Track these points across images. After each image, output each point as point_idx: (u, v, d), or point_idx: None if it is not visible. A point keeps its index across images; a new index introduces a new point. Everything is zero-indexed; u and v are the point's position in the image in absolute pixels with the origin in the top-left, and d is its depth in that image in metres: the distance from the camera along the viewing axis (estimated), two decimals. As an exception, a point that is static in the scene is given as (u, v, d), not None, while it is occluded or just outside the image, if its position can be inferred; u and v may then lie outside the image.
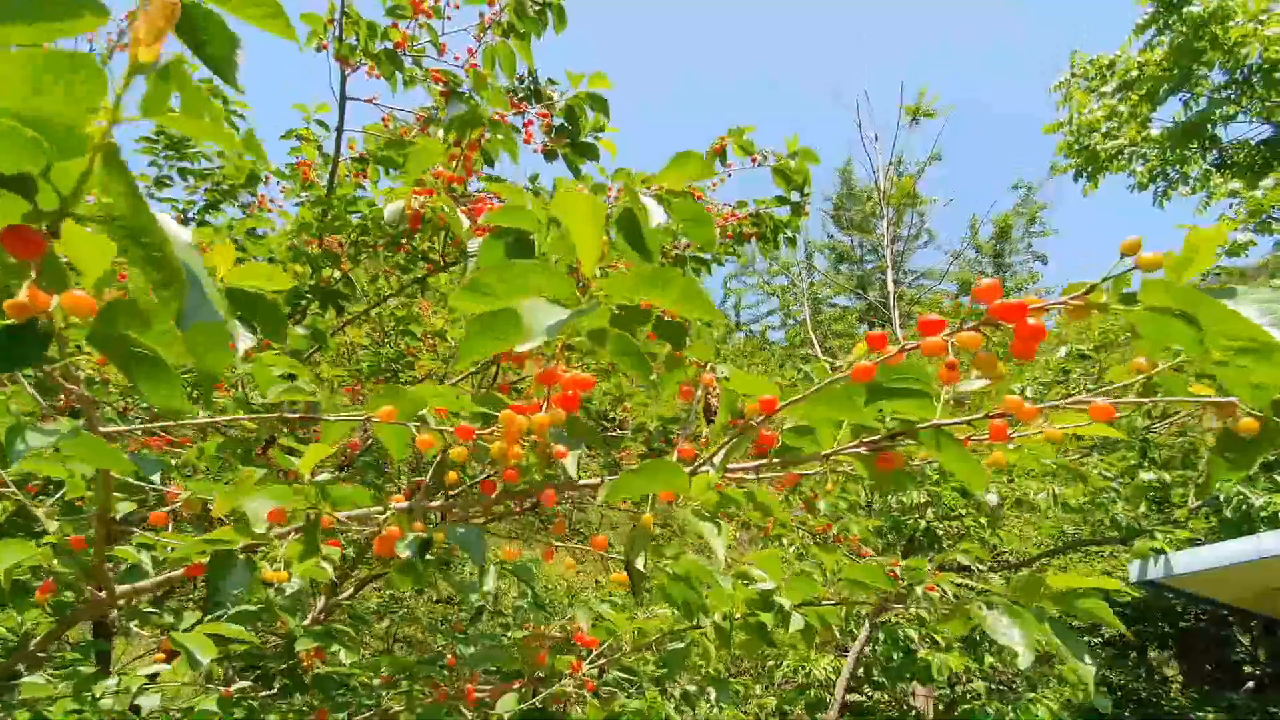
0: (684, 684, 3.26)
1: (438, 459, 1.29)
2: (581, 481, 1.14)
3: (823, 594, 1.31)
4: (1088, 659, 0.94)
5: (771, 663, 7.36)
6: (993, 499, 5.88)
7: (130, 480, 1.09)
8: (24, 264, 0.51)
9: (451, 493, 1.28)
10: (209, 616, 1.43)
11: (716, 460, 1.02)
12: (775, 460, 1.04)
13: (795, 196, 2.74)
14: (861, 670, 6.98)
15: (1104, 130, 9.07)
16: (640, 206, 1.26)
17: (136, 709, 2.22)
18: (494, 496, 1.16)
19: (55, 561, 1.16)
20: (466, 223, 1.54)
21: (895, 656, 5.84)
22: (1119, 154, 9.14)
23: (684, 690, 3.28)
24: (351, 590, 5.14)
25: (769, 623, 1.26)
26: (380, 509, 1.20)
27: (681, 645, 1.44)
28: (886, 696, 7.49)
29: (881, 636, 5.95)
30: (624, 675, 2.34)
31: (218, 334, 0.55)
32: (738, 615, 1.28)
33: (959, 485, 5.59)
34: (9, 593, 1.37)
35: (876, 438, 0.96)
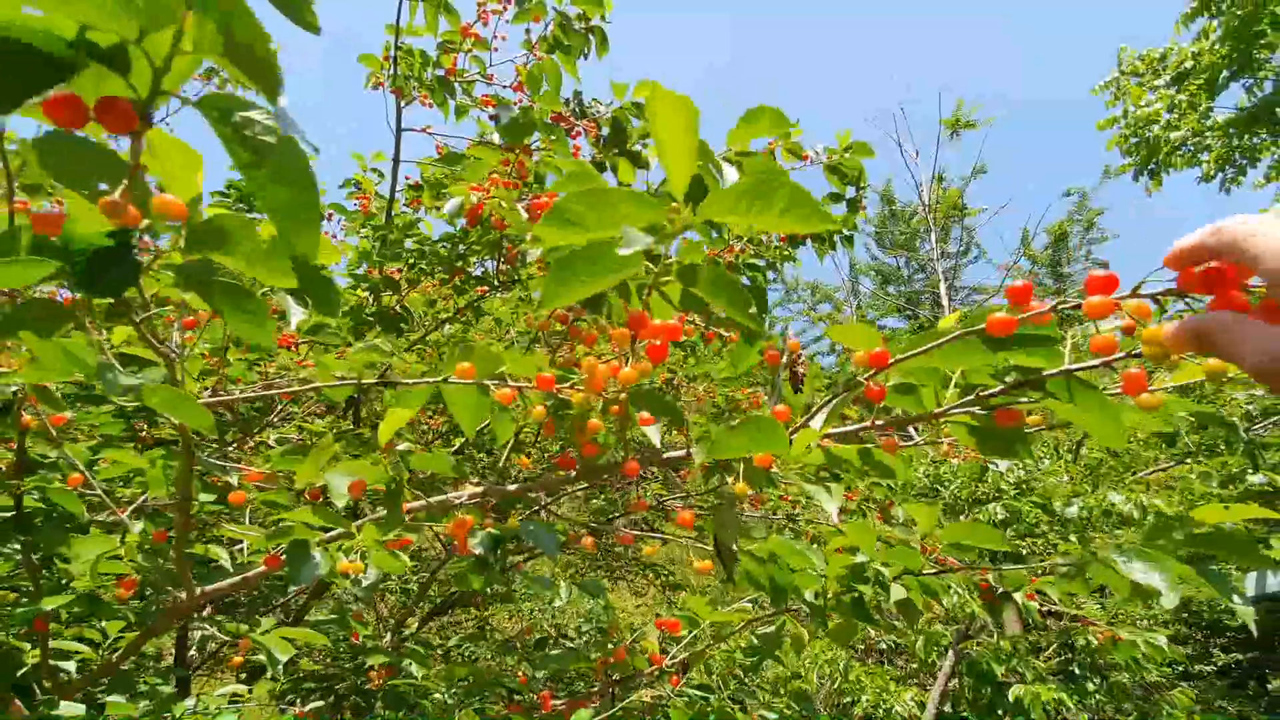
0: (763, 707, 3.10)
1: (509, 443, 1.26)
2: (667, 455, 1.09)
3: (921, 564, 1.21)
4: (1239, 599, 0.83)
5: (848, 698, 6.95)
6: (1072, 510, 5.50)
7: (209, 472, 1.10)
8: (115, 169, 0.51)
9: (526, 478, 1.25)
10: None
11: (817, 420, 0.95)
12: (879, 423, 0.95)
13: (851, 192, 2.67)
14: (949, 706, 6.53)
15: (1163, 123, 8.70)
16: (713, 165, 1.23)
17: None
18: (574, 473, 1.11)
19: (139, 556, 1.17)
20: (525, 216, 1.54)
21: (984, 690, 5.44)
22: (1181, 145, 8.74)
23: (762, 715, 3.11)
24: (417, 625, 5.14)
25: (866, 595, 1.17)
26: (457, 493, 1.17)
27: (771, 629, 1.35)
28: (977, 735, 6.96)
29: (963, 669, 5.57)
30: (700, 694, 2.23)
31: (305, 212, 0.53)
32: (831, 595, 1.19)
33: (1040, 499, 5.26)
34: (91, 601, 1.40)
35: (994, 390, 0.86)
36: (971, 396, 0.87)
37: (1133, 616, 6.91)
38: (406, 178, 3.12)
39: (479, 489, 1.05)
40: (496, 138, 2.29)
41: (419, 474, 3.33)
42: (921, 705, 6.12)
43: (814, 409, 0.94)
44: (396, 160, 2.82)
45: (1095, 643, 3.25)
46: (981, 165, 14.82)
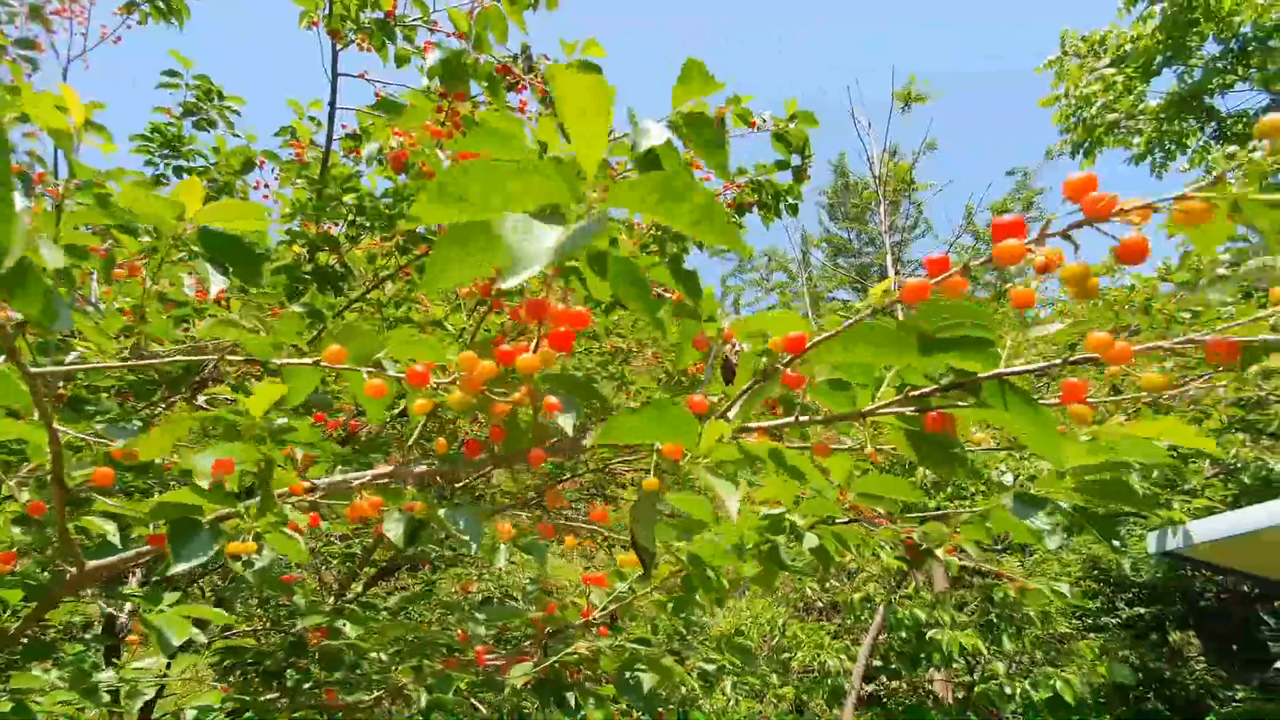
0: (701, 660, 3.21)
1: (415, 432, 1.24)
2: (571, 444, 1.01)
3: (836, 513, 1.26)
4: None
5: (787, 653, 7.28)
6: (1008, 478, 5.80)
7: (81, 441, 1.04)
8: None
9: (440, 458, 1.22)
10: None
11: (733, 412, 0.91)
12: (803, 420, 0.92)
13: (796, 160, 2.70)
14: (878, 660, 6.91)
15: (1099, 104, 9.03)
16: (637, 130, 1.20)
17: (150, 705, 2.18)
18: (481, 458, 1.07)
19: (13, 530, 1.11)
20: (446, 163, 1.49)
21: (904, 637, 5.77)
22: (1116, 126, 9.10)
23: (702, 669, 3.22)
24: (360, 589, 5.10)
25: (781, 543, 1.21)
26: (358, 474, 1.12)
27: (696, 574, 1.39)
28: (904, 685, 7.40)
29: (894, 618, 5.88)
30: (636, 645, 2.29)
31: None
32: (749, 545, 1.23)
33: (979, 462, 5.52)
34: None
35: (925, 390, 0.82)
36: (902, 396, 0.84)
37: (1048, 574, 7.39)
38: (344, 126, 2.98)
39: (385, 470, 1.01)
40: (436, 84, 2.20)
41: (361, 443, 3.24)
42: (853, 658, 6.46)
43: (733, 398, 0.90)
44: (333, 107, 2.68)
45: (1011, 595, 3.47)
46: (931, 141, 15.10)
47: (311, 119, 3.39)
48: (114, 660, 2.56)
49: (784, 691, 6.91)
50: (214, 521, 0.95)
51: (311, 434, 1.03)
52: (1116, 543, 0.91)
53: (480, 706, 3.77)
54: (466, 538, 1.08)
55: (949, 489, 5.68)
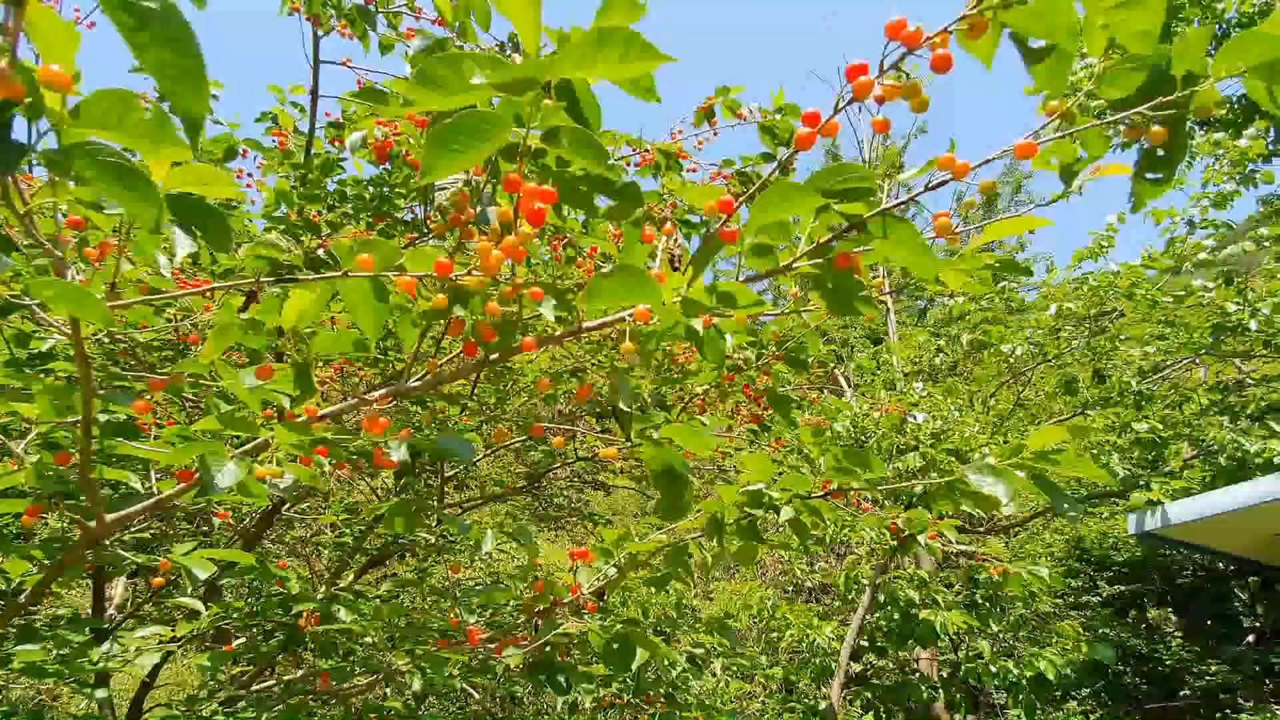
0: (689, 644, 3.27)
1: (414, 350, 1.27)
2: (560, 333, 1.14)
3: (811, 487, 1.30)
4: (1068, 507, 0.96)
5: (776, 634, 7.39)
6: (990, 462, 5.90)
7: (109, 387, 1.06)
8: None
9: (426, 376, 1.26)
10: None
11: (689, 275, 1.03)
12: (741, 280, 1.05)
13: (783, 153, 2.70)
14: (866, 639, 7.03)
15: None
16: (579, 78, 1.23)
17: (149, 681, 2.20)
18: (476, 361, 1.13)
19: (38, 482, 1.12)
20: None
21: (895, 618, 5.88)
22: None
23: (690, 653, 3.28)
24: (353, 578, 5.13)
25: (759, 517, 1.26)
26: (368, 393, 1.18)
27: (678, 546, 1.43)
28: (890, 664, 7.55)
29: (882, 599, 5.99)
30: (625, 625, 2.33)
31: (192, 73, 0.53)
32: (729, 520, 1.27)
33: (953, 446, 5.61)
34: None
35: (827, 239, 0.98)
36: (814, 247, 0.99)
37: (1031, 554, 7.55)
38: (327, 114, 2.96)
39: (388, 389, 1.06)
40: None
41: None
42: (841, 637, 6.57)
43: (687, 264, 1.03)
44: (315, 95, 2.66)
45: (994, 576, 3.57)
46: (922, 125, 15.11)
47: (295, 104, 3.36)
48: (118, 637, 2.58)
49: (773, 672, 7.03)
50: (240, 454, 1.00)
51: (344, 341, 1.08)
52: (1069, 509, 0.97)
53: (473, 691, 3.82)
54: (459, 457, 1.15)
55: (935, 473, 5.77)
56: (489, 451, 5.11)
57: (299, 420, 1.01)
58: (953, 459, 5.92)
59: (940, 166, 0.92)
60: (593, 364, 3.57)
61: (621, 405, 0.98)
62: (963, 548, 4.98)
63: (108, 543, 1.69)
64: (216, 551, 1.34)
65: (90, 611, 3.22)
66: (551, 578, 1.80)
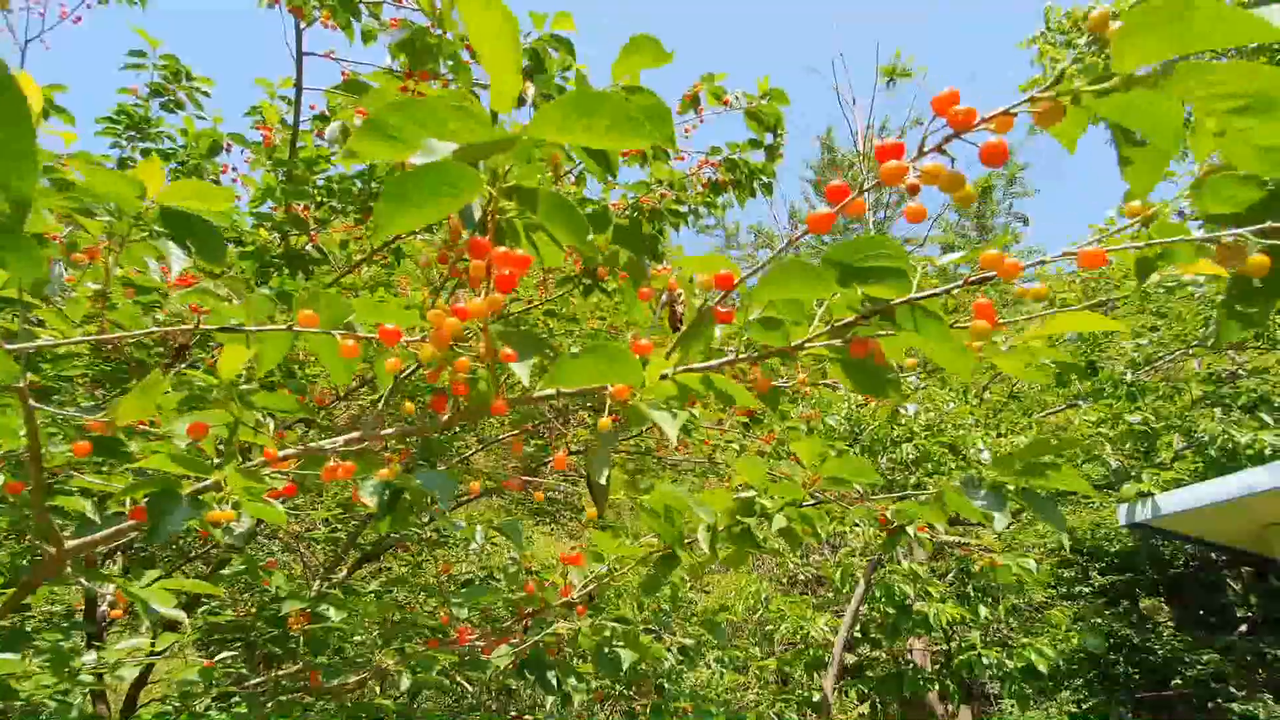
0: (680, 638, 3.27)
1: (384, 397, 1.24)
2: (538, 394, 1.09)
3: (803, 496, 1.29)
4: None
5: (770, 626, 7.42)
6: (985, 456, 5.91)
7: (56, 421, 1.04)
8: None
9: (408, 422, 1.24)
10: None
11: (675, 352, 0.96)
12: (741, 358, 0.98)
13: (769, 139, 2.69)
14: (859, 630, 7.06)
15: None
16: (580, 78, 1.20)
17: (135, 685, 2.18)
18: (448, 417, 1.09)
19: None
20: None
21: (891, 612, 5.90)
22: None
23: (682, 645, 3.28)
24: (346, 572, 5.11)
25: (752, 525, 1.24)
26: (331, 440, 1.14)
27: (669, 556, 1.42)
28: (883, 654, 7.58)
29: (877, 593, 6.00)
30: (617, 623, 2.33)
31: (17, 148, 0.47)
32: (721, 527, 1.26)
33: (948, 440, 5.62)
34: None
35: (846, 320, 0.89)
36: (830, 328, 0.91)
37: (1024, 545, 7.58)
38: (312, 107, 2.92)
39: (354, 434, 1.03)
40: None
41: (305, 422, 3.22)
42: (835, 629, 6.59)
43: (672, 340, 0.96)
44: (299, 87, 2.63)
45: (985, 567, 3.58)
46: (917, 117, 15.06)
47: (282, 98, 3.31)
48: (96, 644, 2.57)
49: (767, 663, 7.05)
50: (193, 493, 0.96)
51: (284, 400, 1.04)
52: (1059, 524, 0.95)
53: (467, 685, 3.82)
54: (439, 499, 1.11)
55: (929, 465, 5.77)
56: (482, 446, 5.10)
57: (251, 466, 0.97)
58: (946, 451, 5.93)
59: (984, 264, 0.81)
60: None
61: (595, 478, 0.93)
62: (953, 539, 5.00)
63: (69, 567, 1.66)
64: (179, 583, 1.31)
65: (83, 610, 3.20)
66: (542, 580, 1.79)
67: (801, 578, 9.78)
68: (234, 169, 3.25)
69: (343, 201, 2.78)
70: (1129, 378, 5.56)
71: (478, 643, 2.12)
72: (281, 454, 0.99)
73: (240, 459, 1.00)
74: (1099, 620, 8.02)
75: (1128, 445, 5.68)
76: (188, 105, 3.52)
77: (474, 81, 1.84)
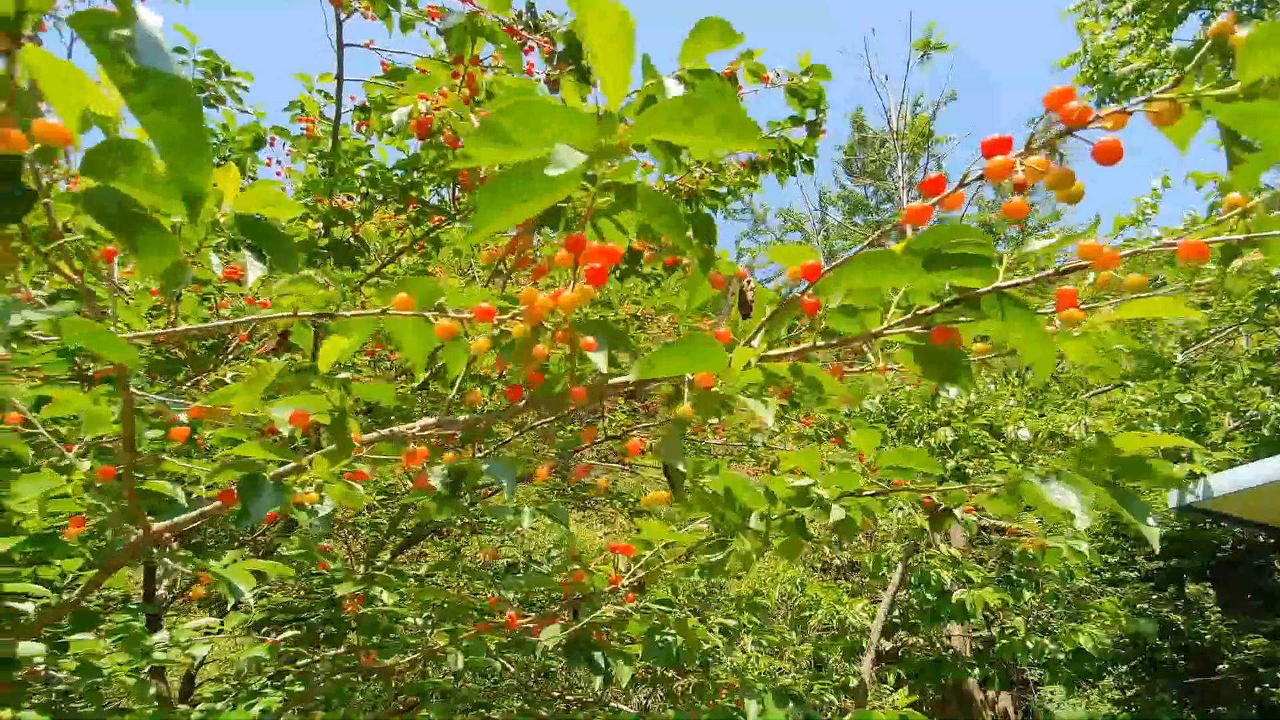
0: (721, 617, 3.28)
1: (460, 377, 1.26)
2: (613, 381, 1.10)
3: (862, 485, 1.27)
4: (1150, 520, 0.90)
5: (807, 612, 7.40)
6: (1024, 434, 5.78)
7: (152, 404, 1.08)
8: None
9: (479, 410, 1.25)
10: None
11: (757, 340, 0.96)
12: (819, 345, 0.98)
13: (811, 115, 2.64)
14: (897, 616, 7.01)
15: (1121, 57, 8.69)
16: (661, 88, 1.19)
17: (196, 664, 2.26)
18: (522, 404, 1.11)
19: (85, 494, 1.15)
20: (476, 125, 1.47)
21: (930, 598, 5.83)
22: (1139, 78, 8.77)
23: (723, 625, 3.29)
24: (390, 556, 5.23)
25: (808, 516, 1.23)
26: (409, 426, 1.17)
27: (721, 555, 1.42)
28: (922, 640, 7.52)
29: (913, 580, 5.95)
30: (662, 607, 2.34)
31: (192, 142, 0.50)
32: (775, 515, 1.25)
33: (987, 421, 5.51)
34: (44, 541, 1.39)
35: (930, 309, 0.88)
36: (910, 316, 0.90)
37: (1066, 530, 7.43)
38: (352, 98, 2.95)
39: (431, 421, 1.05)
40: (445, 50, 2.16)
41: (376, 409, 3.29)
42: (872, 616, 6.55)
43: (755, 326, 0.96)
44: (340, 79, 2.65)
45: (1030, 552, 3.50)
46: (951, 92, 14.68)
47: (321, 92, 3.36)
48: (156, 627, 2.67)
49: (803, 648, 7.05)
50: (279, 476, 1.00)
51: (384, 390, 1.07)
52: (1150, 520, 0.91)
53: (509, 667, 3.89)
54: (503, 484, 1.14)
55: (969, 446, 5.67)
56: (517, 433, 5.15)
57: (336, 451, 0.99)
58: (986, 433, 5.82)
59: (1082, 254, 0.81)
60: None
61: (674, 464, 0.94)
62: (996, 523, 4.91)
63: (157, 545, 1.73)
64: (259, 563, 1.36)
65: (143, 593, 3.33)
66: (590, 568, 1.80)
67: (836, 563, 9.73)
68: (276, 162, 3.30)
69: (384, 192, 2.81)
70: (1179, 357, 5.38)
71: (527, 625, 2.15)
72: (365, 439, 1.02)
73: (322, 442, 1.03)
74: (1145, 606, 7.84)
75: (1178, 426, 5.51)
76: (228, 100, 3.58)
77: (522, 66, 1.84)
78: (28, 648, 1.29)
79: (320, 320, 0.97)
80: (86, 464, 1.30)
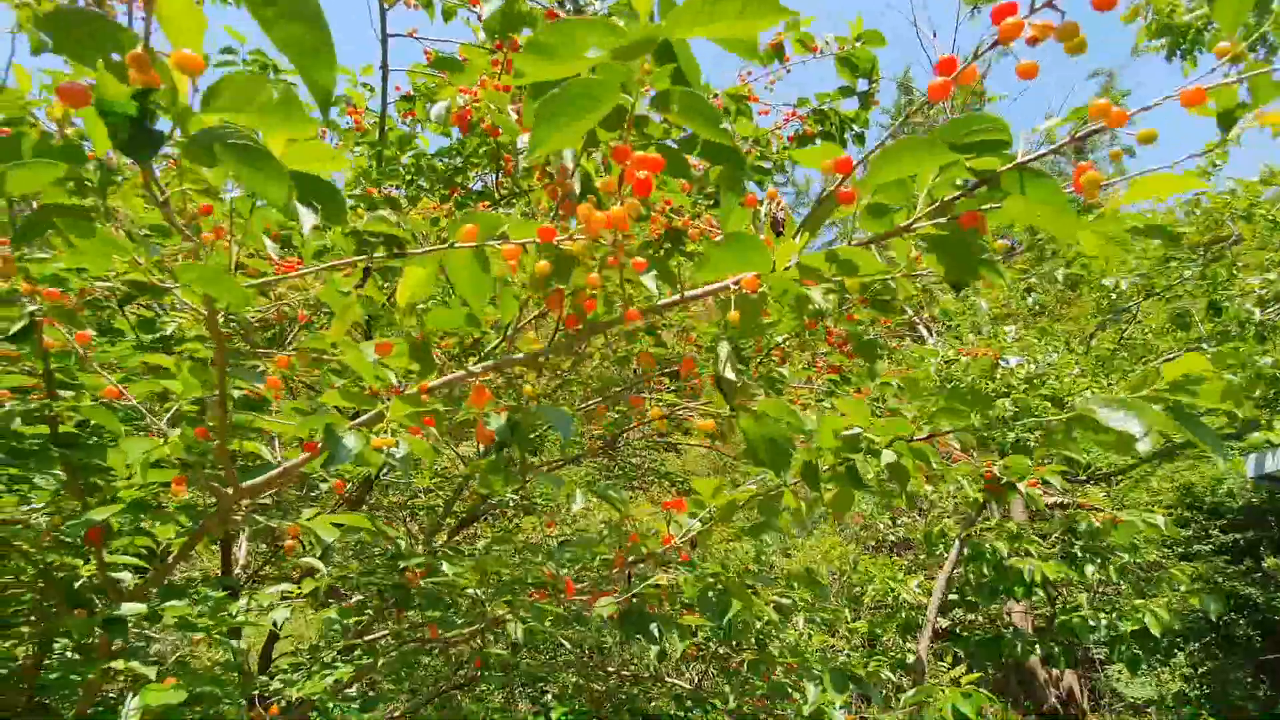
0: (776, 596, 3.28)
1: (511, 323, 1.30)
2: (663, 302, 1.13)
3: (913, 430, 1.25)
4: (1211, 439, 0.87)
5: (858, 590, 7.34)
6: (1121, 395, 5.53)
7: (238, 366, 1.14)
8: (123, 37, 0.51)
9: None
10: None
11: (798, 238, 1.00)
12: (853, 242, 1.01)
13: (863, 85, 2.56)
14: (955, 594, 6.88)
15: (1189, 5, 8.11)
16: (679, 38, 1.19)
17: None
18: (579, 330, 1.14)
19: (184, 453, 1.23)
20: (515, 118, 1.50)
21: (987, 572, 5.70)
22: (1208, 24, 8.18)
23: (777, 602, 3.30)
24: (447, 537, 5.42)
25: (859, 461, 1.22)
26: (473, 367, 1.22)
27: (772, 496, 1.42)
28: (981, 618, 7.37)
29: (969, 552, 5.81)
30: (712, 577, 2.36)
31: (320, 46, 0.54)
32: (825, 466, 1.25)
33: (1050, 392, 5.31)
34: (139, 508, 1.49)
35: (954, 196, 0.90)
36: (936, 205, 0.91)
37: (1137, 503, 7.13)
38: (397, 88, 3.01)
39: (491, 364, 1.10)
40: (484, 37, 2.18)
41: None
42: (927, 592, 6.45)
43: (798, 227, 0.99)
44: (385, 69, 2.71)
45: (1096, 525, 3.38)
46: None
47: (365, 85, 3.43)
48: (236, 599, 2.85)
49: (856, 625, 7.00)
50: (355, 426, 1.07)
51: (454, 316, 1.12)
52: (1215, 446, 0.88)
53: (565, 642, 3.99)
54: (561, 430, 1.19)
55: (1029, 420, 5.48)
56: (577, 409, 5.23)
57: (411, 393, 1.05)
58: (1049, 404, 5.62)
59: (1093, 115, 0.83)
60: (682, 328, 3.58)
61: (726, 374, 0.96)
62: (1061, 498, 4.75)
63: (240, 509, 1.84)
64: (337, 516, 1.44)
65: (220, 571, 3.55)
66: (643, 530, 1.83)
67: (890, 540, 9.60)
68: (327, 155, 3.40)
69: (429, 179, 2.87)
70: (1257, 316, 5.05)
71: (582, 595, 2.20)
72: (434, 383, 1.07)
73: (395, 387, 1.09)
74: (1219, 579, 7.49)
75: (1256, 392, 5.20)
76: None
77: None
78: (130, 607, 1.39)
79: (391, 259, 1.02)
80: (176, 431, 1.40)
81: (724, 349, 0.98)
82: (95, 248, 0.78)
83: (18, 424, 1.37)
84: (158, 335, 2.10)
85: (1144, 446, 0.88)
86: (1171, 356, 6.47)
